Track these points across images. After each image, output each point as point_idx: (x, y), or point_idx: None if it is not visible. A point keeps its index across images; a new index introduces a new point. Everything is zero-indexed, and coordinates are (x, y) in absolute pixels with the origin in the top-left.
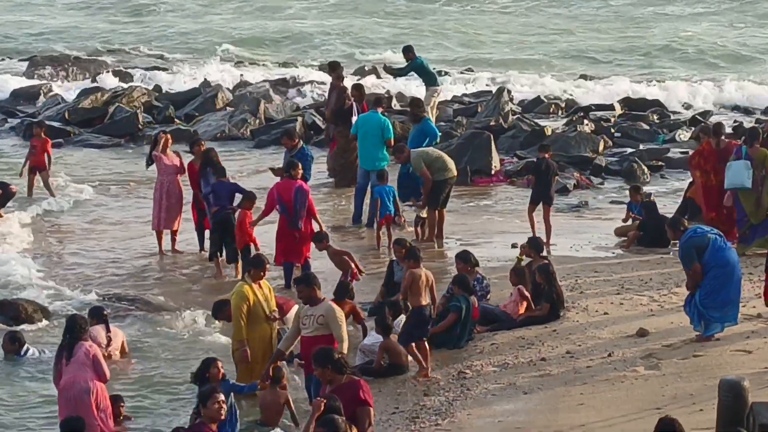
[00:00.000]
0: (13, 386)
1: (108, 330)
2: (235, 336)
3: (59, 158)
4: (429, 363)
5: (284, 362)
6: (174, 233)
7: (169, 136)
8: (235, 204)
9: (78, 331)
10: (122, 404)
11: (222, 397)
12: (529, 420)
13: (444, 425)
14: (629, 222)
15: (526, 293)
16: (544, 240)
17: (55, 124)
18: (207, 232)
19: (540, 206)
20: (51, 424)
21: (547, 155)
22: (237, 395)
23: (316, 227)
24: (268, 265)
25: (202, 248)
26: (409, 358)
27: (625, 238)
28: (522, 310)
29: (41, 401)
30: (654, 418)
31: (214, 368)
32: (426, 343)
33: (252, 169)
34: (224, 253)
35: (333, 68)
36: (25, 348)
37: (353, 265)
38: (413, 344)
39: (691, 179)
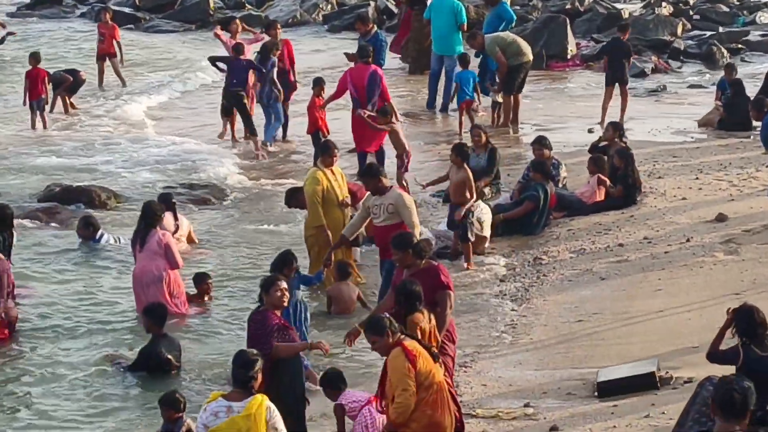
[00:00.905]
0: (93, 269)
1: (176, 218)
2: (312, 222)
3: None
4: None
5: (357, 249)
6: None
7: (238, 21)
8: (250, 82)
9: (152, 219)
10: (209, 281)
11: (284, 284)
12: (605, 306)
13: (520, 311)
14: (719, 102)
15: (605, 179)
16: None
17: (126, 9)
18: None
19: (617, 89)
20: (130, 310)
21: (622, 36)
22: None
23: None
24: (337, 151)
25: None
26: (486, 244)
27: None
28: (601, 197)
29: (116, 288)
30: (733, 304)
31: (289, 266)
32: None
33: (324, 54)
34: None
35: None
36: (99, 233)
37: (406, 149)
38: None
39: None
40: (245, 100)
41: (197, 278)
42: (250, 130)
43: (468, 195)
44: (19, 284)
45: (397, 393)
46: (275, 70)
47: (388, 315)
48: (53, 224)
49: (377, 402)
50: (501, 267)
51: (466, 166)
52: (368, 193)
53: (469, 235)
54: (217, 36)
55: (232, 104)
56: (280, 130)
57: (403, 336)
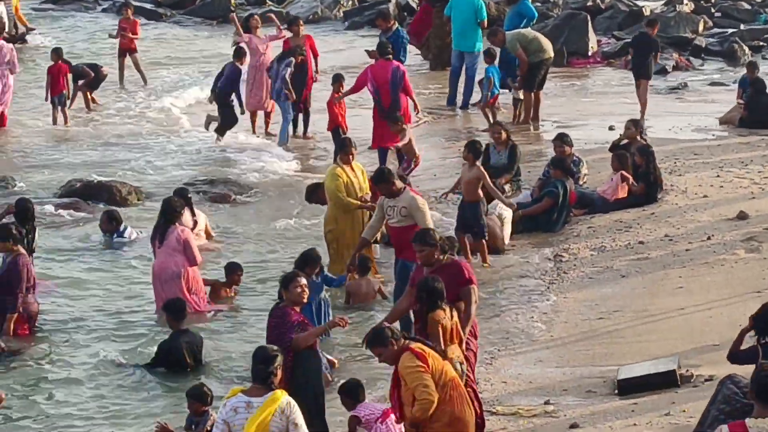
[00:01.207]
0: (115, 264)
1: (193, 213)
2: (334, 216)
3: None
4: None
5: (376, 246)
6: (267, 115)
7: (257, 17)
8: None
9: (172, 215)
10: (240, 272)
11: (304, 281)
12: (626, 304)
13: (540, 308)
14: (740, 100)
15: (628, 176)
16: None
17: (147, 5)
18: (300, 115)
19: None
20: (149, 303)
21: (651, 31)
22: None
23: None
24: (355, 148)
25: (295, 130)
26: (506, 241)
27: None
28: (623, 194)
29: (138, 283)
30: (754, 302)
31: (312, 265)
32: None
33: (344, 51)
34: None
35: None
36: (122, 227)
37: (416, 155)
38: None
39: None
40: (228, 101)
41: (229, 267)
42: (220, 132)
43: (481, 193)
44: (41, 279)
45: (417, 392)
46: (290, 70)
47: (387, 325)
48: (74, 220)
49: (394, 413)
50: (521, 264)
51: (478, 163)
52: None
53: (485, 233)
54: (232, 20)
55: (218, 103)
56: (293, 127)
57: (406, 341)
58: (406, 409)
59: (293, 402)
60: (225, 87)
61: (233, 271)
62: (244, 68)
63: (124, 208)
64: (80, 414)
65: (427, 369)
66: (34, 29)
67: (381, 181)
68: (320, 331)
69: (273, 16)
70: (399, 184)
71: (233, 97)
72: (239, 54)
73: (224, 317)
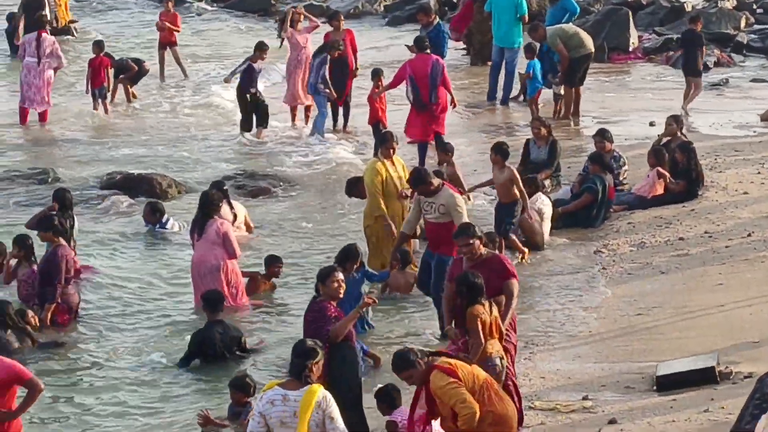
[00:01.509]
0: (156, 255)
1: (231, 206)
2: (371, 211)
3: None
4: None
5: (416, 240)
6: (308, 109)
7: (300, 10)
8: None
9: (210, 207)
10: (280, 265)
11: (341, 276)
12: (665, 300)
13: (579, 303)
14: None
15: (665, 172)
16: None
17: None
18: (340, 109)
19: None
20: (189, 294)
21: (695, 27)
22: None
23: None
24: (395, 142)
25: (335, 125)
26: (545, 237)
27: None
28: (660, 191)
29: (179, 275)
30: None
31: (353, 260)
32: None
33: (384, 47)
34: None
35: None
36: (165, 218)
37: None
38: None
39: None
40: (247, 97)
41: (269, 260)
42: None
43: (516, 193)
44: (84, 265)
45: (458, 408)
46: (326, 67)
47: (408, 347)
48: (115, 212)
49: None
50: (560, 260)
51: (508, 164)
52: None
53: (511, 234)
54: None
55: (239, 101)
56: (331, 120)
57: (430, 358)
58: (444, 423)
59: (329, 395)
60: (242, 83)
61: (272, 263)
62: (264, 64)
63: (165, 202)
64: (119, 403)
65: (459, 383)
66: (76, 21)
67: (418, 182)
68: (354, 317)
69: (305, 12)
70: (436, 181)
71: (254, 91)
72: (259, 47)
73: (263, 310)
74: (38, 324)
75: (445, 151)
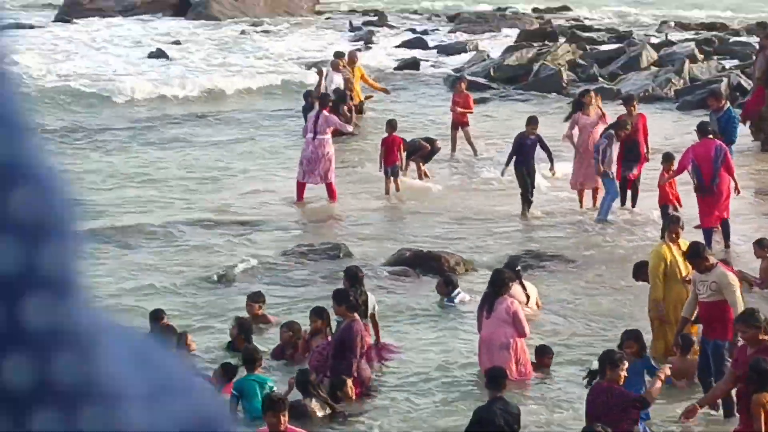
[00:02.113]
0: (444, 326)
1: (523, 286)
2: (652, 295)
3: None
4: None
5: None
6: (595, 191)
7: (593, 94)
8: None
9: (501, 286)
10: (550, 356)
11: (627, 365)
12: None
13: None
14: None
15: None
16: None
17: (481, 79)
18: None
19: None
20: (471, 365)
21: None
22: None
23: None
24: (680, 227)
25: (623, 203)
26: None
27: None
28: None
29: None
30: None
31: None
32: None
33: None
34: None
35: (763, 27)
36: (456, 291)
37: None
38: None
39: None
40: None
41: (539, 350)
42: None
43: None
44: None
45: None
46: (606, 142)
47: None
48: (403, 286)
49: None
50: None
51: None
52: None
53: None
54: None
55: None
56: (621, 202)
57: None
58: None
59: None
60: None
61: (544, 353)
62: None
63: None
64: None
65: None
66: (371, 97)
67: (695, 256)
68: (659, 388)
69: (598, 101)
70: (712, 260)
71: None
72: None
73: (543, 388)
74: (348, 395)
75: (762, 247)
